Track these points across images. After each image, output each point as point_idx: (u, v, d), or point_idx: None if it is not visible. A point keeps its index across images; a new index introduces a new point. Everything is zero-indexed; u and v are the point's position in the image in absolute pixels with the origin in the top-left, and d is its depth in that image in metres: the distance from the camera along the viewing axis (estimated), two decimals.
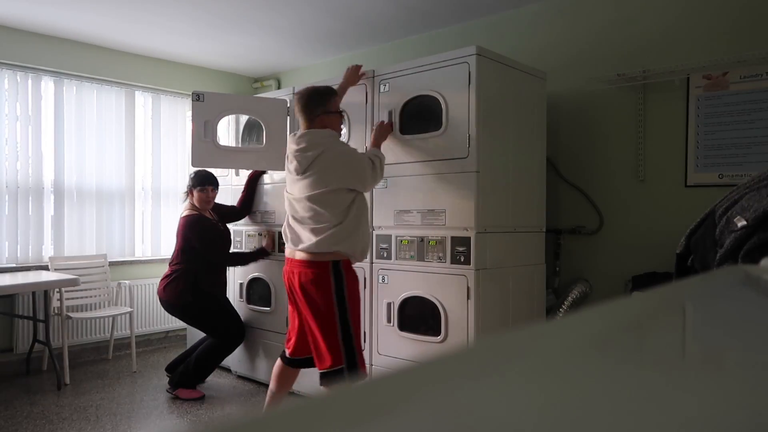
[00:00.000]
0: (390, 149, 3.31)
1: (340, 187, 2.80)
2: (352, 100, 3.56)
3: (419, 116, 3.26)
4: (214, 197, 4.06)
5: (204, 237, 3.91)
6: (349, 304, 2.78)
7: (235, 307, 4.29)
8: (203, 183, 3.99)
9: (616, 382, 0.46)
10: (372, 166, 2.90)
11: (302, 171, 2.84)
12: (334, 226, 2.77)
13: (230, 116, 4.20)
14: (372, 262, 3.43)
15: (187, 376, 3.90)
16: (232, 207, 4.24)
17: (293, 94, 3.98)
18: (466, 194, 3.01)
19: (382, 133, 3.23)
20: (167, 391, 3.92)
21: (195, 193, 4.00)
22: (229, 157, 3.92)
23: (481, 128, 3.01)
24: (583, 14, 3.75)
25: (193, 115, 3.74)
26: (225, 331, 3.99)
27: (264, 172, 4.20)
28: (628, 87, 3.53)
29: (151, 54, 5.27)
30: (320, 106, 2.89)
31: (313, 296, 2.79)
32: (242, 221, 4.30)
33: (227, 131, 4.46)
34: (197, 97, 3.72)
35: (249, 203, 4.24)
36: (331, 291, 2.76)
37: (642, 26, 3.50)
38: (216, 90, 5.70)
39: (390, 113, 3.33)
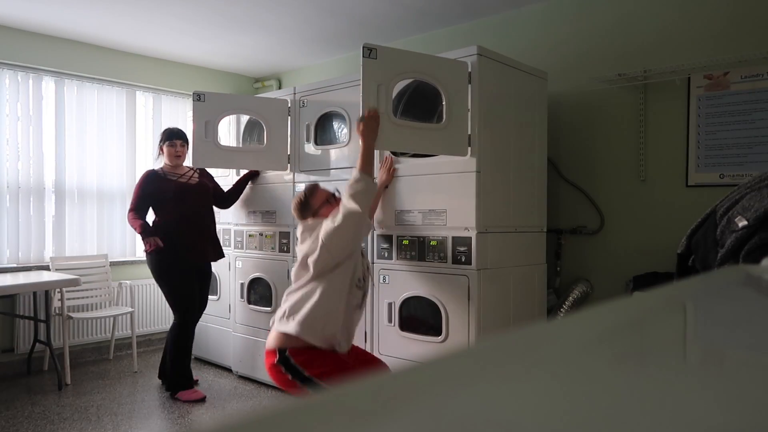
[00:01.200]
0: (391, 147, 3.30)
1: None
2: (350, 99, 3.56)
3: (420, 106, 3.24)
4: (183, 153, 3.94)
5: (138, 187, 3.86)
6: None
7: (236, 307, 4.29)
8: (171, 137, 3.91)
9: (618, 382, 0.46)
10: (338, 218, 2.62)
11: None
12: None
13: (231, 116, 4.20)
14: (373, 263, 3.43)
15: (175, 375, 3.84)
16: (222, 192, 4.20)
17: (294, 93, 3.99)
18: (467, 194, 3.01)
19: (369, 132, 2.70)
20: (171, 395, 3.89)
21: (164, 149, 3.92)
22: (230, 157, 3.92)
23: (482, 128, 3.01)
24: (584, 14, 3.75)
25: (194, 115, 3.73)
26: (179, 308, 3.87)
27: (259, 173, 4.20)
28: (629, 87, 3.53)
29: (151, 54, 5.27)
30: (307, 211, 2.86)
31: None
32: (244, 220, 4.30)
33: (228, 131, 4.46)
34: (198, 98, 3.70)
35: (232, 196, 4.21)
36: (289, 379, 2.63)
37: (643, 26, 3.50)
38: (217, 90, 5.69)
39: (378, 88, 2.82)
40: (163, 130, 4.06)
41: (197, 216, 3.91)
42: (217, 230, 4.11)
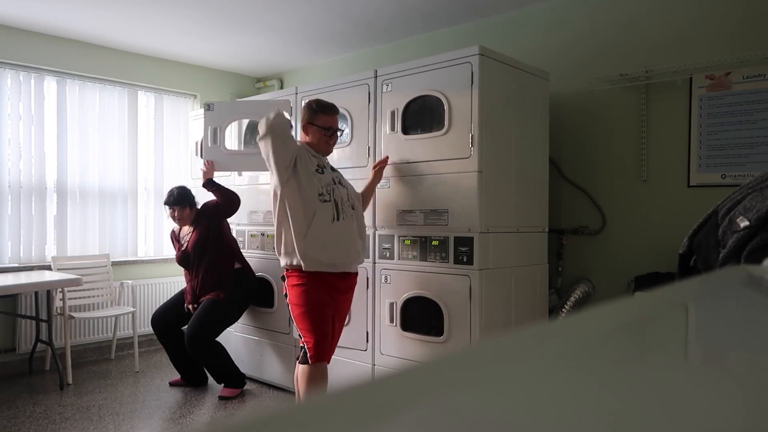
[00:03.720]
0: (393, 150, 3.32)
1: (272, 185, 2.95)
2: (353, 99, 3.57)
3: (422, 116, 3.26)
4: (183, 216, 4.04)
5: None
6: (293, 308, 2.94)
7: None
8: (167, 203, 4.07)
9: (619, 382, 0.46)
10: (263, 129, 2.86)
11: None
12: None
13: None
14: (375, 262, 3.43)
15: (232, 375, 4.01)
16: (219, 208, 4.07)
17: (296, 93, 4.00)
18: (469, 194, 3.01)
19: (379, 175, 3.32)
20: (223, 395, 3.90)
21: (166, 210, 4.13)
22: (237, 160, 3.98)
23: (483, 128, 3.01)
24: (586, 14, 3.75)
25: (204, 125, 3.85)
26: None
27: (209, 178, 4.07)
28: (631, 87, 3.52)
29: (153, 54, 5.27)
30: (305, 114, 3.05)
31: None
32: (246, 220, 4.29)
33: (230, 133, 4.46)
34: (208, 107, 3.87)
35: (222, 207, 4.02)
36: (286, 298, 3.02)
37: (645, 26, 3.50)
38: (218, 90, 5.72)
39: (393, 113, 3.34)
40: (169, 190, 4.13)
41: (193, 276, 4.04)
42: (214, 273, 3.97)
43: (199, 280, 3.97)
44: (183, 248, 4.05)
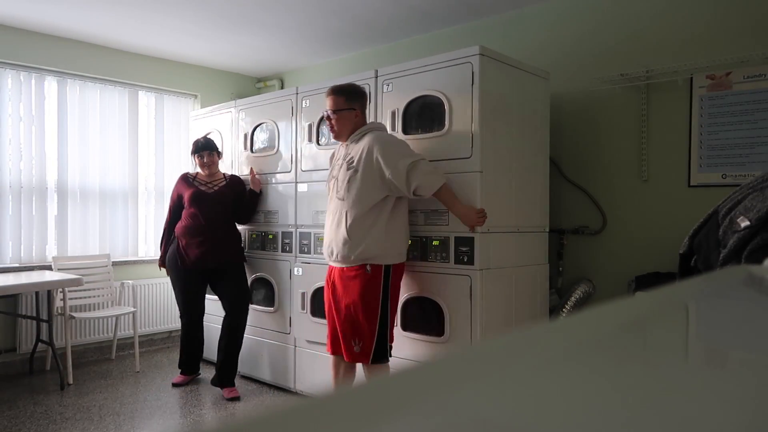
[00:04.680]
0: None
1: None
2: None
3: (422, 116, 3.26)
4: (213, 161, 4.08)
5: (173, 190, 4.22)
6: None
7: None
8: (197, 150, 4.07)
9: (619, 382, 0.46)
10: None
11: None
12: None
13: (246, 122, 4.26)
14: None
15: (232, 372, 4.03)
16: (239, 206, 4.20)
17: (296, 94, 4.00)
18: (470, 194, 3.01)
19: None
20: (227, 397, 3.89)
21: (195, 160, 4.11)
22: (261, 162, 4.26)
23: (484, 128, 3.01)
24: (587, 14, 3.75)
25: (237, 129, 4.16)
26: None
27: (259, 193, 4.28)
28: (632, 87, 3.52)
29: (154, 54, 5.27)
30: (347, 96, 3.08)
31: None
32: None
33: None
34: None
35: (242, 212, 4.23)
36: None
37: (645, 26, 3.50)
38: (219, 90, 5.73)
39: (393, 113, 3.34)
40: (194, 140, 4.20)
41: (204, 222, 3.97)
42: (235, 235, 4.14)
43: (218, 240, 3.98)
44: (200, 188, 4.03)
